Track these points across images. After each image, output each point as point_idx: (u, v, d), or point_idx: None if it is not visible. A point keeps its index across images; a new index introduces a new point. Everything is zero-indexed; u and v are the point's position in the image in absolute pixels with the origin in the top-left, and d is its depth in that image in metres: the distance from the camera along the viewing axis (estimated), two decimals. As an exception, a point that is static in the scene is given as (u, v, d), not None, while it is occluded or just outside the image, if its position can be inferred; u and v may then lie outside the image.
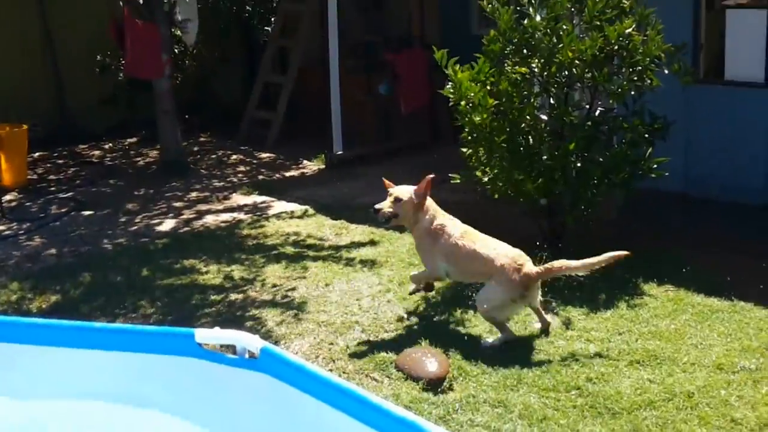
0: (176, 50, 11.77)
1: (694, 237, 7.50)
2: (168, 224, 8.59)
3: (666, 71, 6.87)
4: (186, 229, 8.44)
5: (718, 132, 8.40)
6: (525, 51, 6.85)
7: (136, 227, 8.52)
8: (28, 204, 9.43)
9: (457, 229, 5.87)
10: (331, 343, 5.68)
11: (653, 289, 6.33)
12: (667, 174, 6.89)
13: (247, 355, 3.17)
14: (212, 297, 6.59)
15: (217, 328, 3.42)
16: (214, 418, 3.34)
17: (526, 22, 6.80)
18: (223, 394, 3.30)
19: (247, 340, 3.20)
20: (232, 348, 3.19)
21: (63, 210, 9.14)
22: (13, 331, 3.57)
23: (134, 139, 12.38)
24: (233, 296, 6.60)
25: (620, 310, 5.99)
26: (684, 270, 6.60)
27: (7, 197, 9.46)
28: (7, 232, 8.44)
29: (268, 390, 3.17)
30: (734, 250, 7.13)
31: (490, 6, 6.89)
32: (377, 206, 5.91)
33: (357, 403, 2.87)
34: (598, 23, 6.68)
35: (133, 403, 3.39)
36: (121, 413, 3.44)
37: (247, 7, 12.74)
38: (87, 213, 9.04)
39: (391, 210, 5.85)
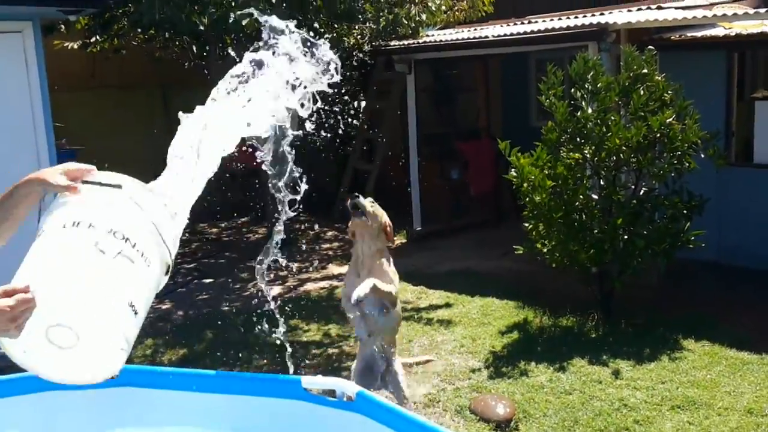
0: None
1: (725, 300, 7.46)
2: (275, 290, 8.70)
3: (702, 155, 6.83)
4: (290, 294, 8.59)
5: (747, 208, 8.36)
6: (578, 139, 6.85)
7: (248, 293, 8.67)
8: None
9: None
10: (415, 390, 5.67)
11: (691, 344, 6.30)
12: (702, 245, 6.80)
13: (345, 399, 3.27)
14: (313, 351, 6.69)
15: (319, 376, 3.64)
16: None
17: (579, 113, 6.80)
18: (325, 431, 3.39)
19: (346, 386, 3.30)
20: (332, 392, 3.32)
21: (188, 278, 9.37)
22: (152, 379, 3.70)
23: (245, 219, 12.65)
24: (330, 351, 6.68)
25: (662, 362, 5.98)
26: (718, 328, 6.58)
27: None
28: None
29: (363, 429, 3.24)
30: (761, 310, 7.09)
31: (548, 101, 6.91)
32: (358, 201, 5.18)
33: None
34: (643, 114, 6.68)
35: None
36: None
37: (339, 105, 13.06)
38: (207, 281, 9.28)
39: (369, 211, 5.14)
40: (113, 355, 2.04)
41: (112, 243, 2.05)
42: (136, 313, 2.06)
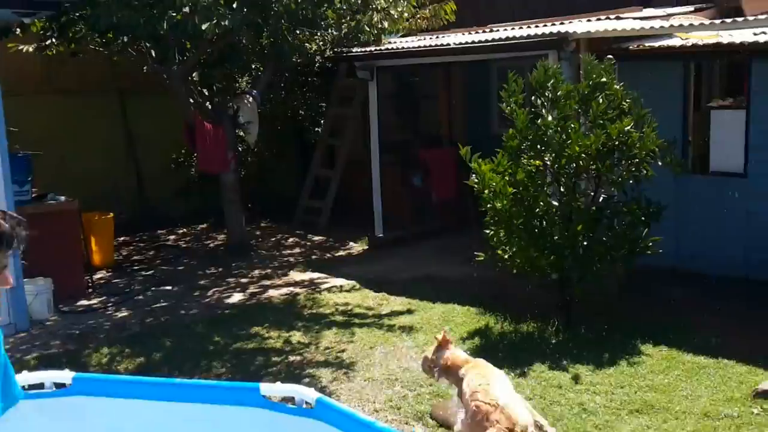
0: (240, 148, 11.92)
1: (683, 305, 7.58)
2: (235, 297, 8.67)
3: (659, 163, 6.93)
4: (251, 301, 8.51)
5: (704, 215, 8.49)
6: (539, 146, 6.90)
7: (208, 300, 8.62)
8: (115, 281, 9.55)
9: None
10: (376, 396, 5.74)
11: (649, 349, 6.38)
12: (660, 251, 6.90)
13: (304, 405, 3.27)
14: (274, 358, 6.62)
15: (278, 383, 3.62)
16: None
17: (539, 121, 6.89)
18: None
19: (305, 392, 3.30)
20: (291, 399, 3.32)
21: (145, 285, 9.27)
22: (107, 387, 3.63)
23: (205, 225, 12.60)
24: (292, 358, 6.64)
25: (621, 366, 6.05)
26: (675, 333, 6.66)
27: (97, 275, 9.62)
28: (96, 305, 8.51)
29: None
30: (718, 315, 7.21)
31: (509, 108, 6.98)
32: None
33: None
34: (602, 122, 6.76)
35: None
36: None
37: (301, 112, 13.01)
38: (166, 288, 9.17)
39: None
40: None
41: None
42: None
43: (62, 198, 8.78)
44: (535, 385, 5.81)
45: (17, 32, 9.57)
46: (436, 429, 5.22)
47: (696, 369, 5.97)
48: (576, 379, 5.89)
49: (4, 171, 7.37)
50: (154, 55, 10.27)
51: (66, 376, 3.63)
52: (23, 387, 3.55)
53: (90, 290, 9.06)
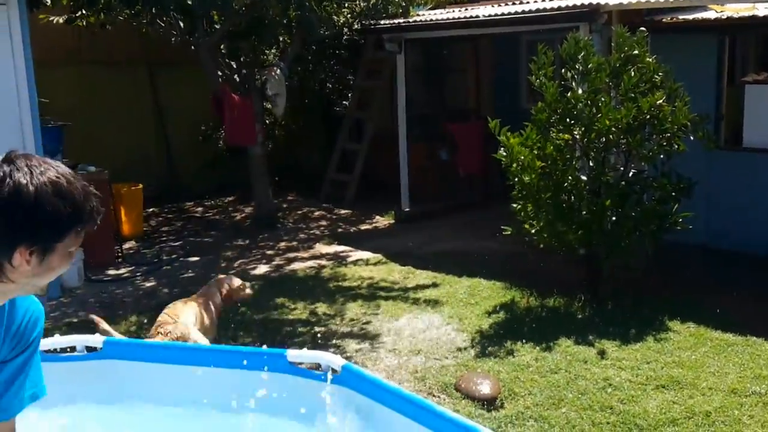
0: (267, 121, 12.02)
1: (713, 282, 7.52)
2: (261, 269, 8.74)
3: (691, 138, 6.88)
4: (277, 273, 8.59)
5: (736, 192, 8.41)
6: (568, 120, 6.86)
7: (233, 271, 8.62)
8: (144, 251, 9.69)
9: None
10: (401, 368, 5.77)
11: (677, 325, 6.35)
12: (690, 227, 6.86)
13: (330, 372, 3.32)
14: (299, 329, 6.69)
15: (305, 349, 3.63)
16: (301, 424, 3.46)
17: (569, 94, 6.82)
18: (310, 404, 3.40)
19: (331, 359, 3.36)
20: (317, 366, 3.38)
21: (173, 256, 9.39)
22: (136, 352, 3.78)
23: (232, 198, 12.66)
24: (317, 329, 6.68)
25: (648, 342, 6.03)
26: (704, 310, 6.62)
27: (126, 245, 9.74)
28: (126, 275, 8.64)
29: (349, 401, 3.32)
30: (747, 293, 7.14)
31: (538, 81, 6.92)
32: None
33: (423, 411, 3.07)
34: (633, 95, 6.70)
35: (236, 410, 3.48)
36: (228, 418, 3.55)
37: (328, 84, 13.03)
38: (193, 259, 9.27)
39: None
40: None
41: None
42: None
43: (92, 168, 8.86)
44: (560, 360, 5.80)
45: (48, 3, 9.63)
46: (461, 400, 5.24)
47: (724, 346, 5.93)
48: (602, 354, 5.87)
49: (36, 141, 7.46)
50: (182, 26, 10.29)
51: (97, 339, 3.71)
52: (55, 350, 3.64)
53: (119, 260, 9.17)
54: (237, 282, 5.83)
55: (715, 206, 8.46)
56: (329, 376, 3.37)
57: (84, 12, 10.11)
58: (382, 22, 11.25)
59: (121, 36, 11.17)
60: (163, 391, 3.68)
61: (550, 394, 5.24)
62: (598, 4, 8.30)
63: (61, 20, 10.44)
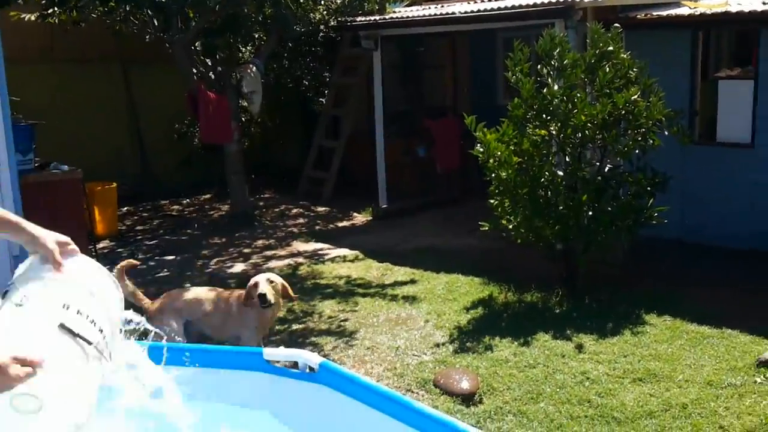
0: (243, 118, 11.98)
1: (688, 276, 7.58)
2: (238, 267, 8.70)
3: (666, 133, 6.92)
4: (254, 271, 8.43)
5: (710, 186, 8.48)
6: (544, 116, 6.89)
7: (211, 269, 8.64)
8: (119, 250, 9.58)
9: None
10: (379, 364, 5.76)
11: (653, 319, 6.39)
12: (666, 221, 6.92)
13: (307, 370, 3.23)
14: (276, 327, 6.60)
15: (281, 347, 3.59)
16: (279, 423, 3.34)
17: (545, 90, 6.86)
18: (287, 403, 3.33)
19: (308, 357, 3.25)
20: (294, 364, 3.28)
21: (148, 255, 9.32)
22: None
23: (208, 196, 12.61)
24: (295, 326, 6.67)
25: (625, 336, 6.05)
26: (680, 303, 6.66)
27: (101, 245, 9.64)
28: None
29: (326, 400, 3.21)
30: (723, 286, 7.20)
31: (514, 77, 6.95)
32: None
33: (401, 407, 2.98)
34: (608, 91, 6.75)
35: (212, 410, 3.34)
36: (204, 417, 3.65)
37: (304, 81, 12.99)
38: (169, 257, 9.21)
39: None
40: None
41: (92, 335, 2.09)
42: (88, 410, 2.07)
43: (65, 167, 8.75)
44: (539, 354, 5.82)
45: (19, 0, 9.51)
46: (440, 396, 5.24)
47: (700, 339, 5.98)
48: (579, 348, 5.90)
49: (7, 140, 7.34)
50: (156, 24, 10.20)
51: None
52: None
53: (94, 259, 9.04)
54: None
55: (689, 200, 8.52)
56: (307, 373, 3.31)
57: (56, 9, 10.00)
58: (359, 18, 11.22)
59: (95, 33, 11.05)
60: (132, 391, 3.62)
61: (528, 388, 5.25)
62: (573, 1, 8.32)
63: (33, 17, 10.32)
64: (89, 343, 2.07)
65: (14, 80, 7.70)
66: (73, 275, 2.22)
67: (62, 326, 2.03)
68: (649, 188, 6.93)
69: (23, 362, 1.84)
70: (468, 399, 5.14)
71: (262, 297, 5.30)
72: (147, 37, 10.44)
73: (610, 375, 5.41)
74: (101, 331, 2.13)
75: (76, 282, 2.21)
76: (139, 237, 10.35)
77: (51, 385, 1.92)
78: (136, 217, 11.54)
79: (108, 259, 9.15)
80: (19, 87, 8.56)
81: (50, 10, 10.05)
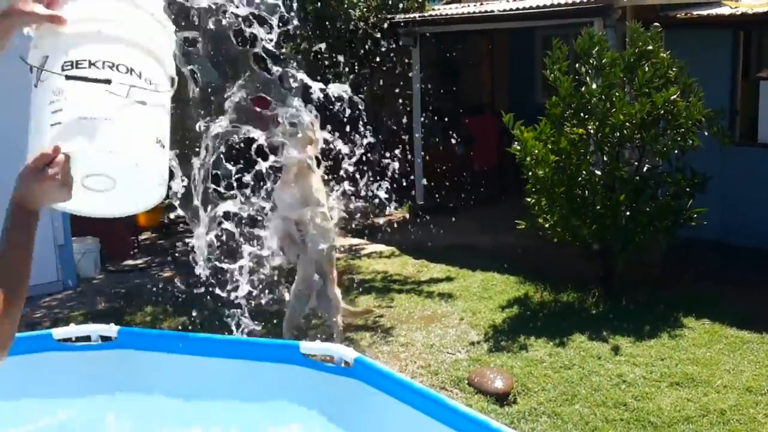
0: None
1: (727, 278, 7.43)
2: (276, 261, 8.76)
3: (706, 133, 6.82)
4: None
5: (750, 187, 8.32)
6: (582, 114, 6.84)
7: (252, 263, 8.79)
8: (160, 242, 9.67)
9: None
10: (413, 361, 5.73)
11: (692, 322, 6.28)
12: (705, 223, 6.82)
13: (343, 364, 3.26)
14: (313, 321, 6.56)
15: (318, 341, 3.59)
16: (314, 416, 3.39)
17: (583, 89, 6.81)
18: (322, 396, 3.37)
19: (344, 351, 3.28)
20: (330, 358, 3.31)
21: (189, 247, 9.42)
22: (151, 342, 3.72)
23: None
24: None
25: (662, 339, 5.96)
26: (719, 306, 6.54)
27: (143, 236, 9.71)
28: (142, 265, 8.64)
29: (360, 394, 3.24)
30: (762, 289, 7.05)
31: (552, 75, 6.88)
32: None
33: (435, 404, 2.93)
34: (647, 90, 6.67)
35: (250, 400, 3.47)
36: (241, 408, 3.51)
37: (343, 78, 13.05)
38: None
39: None
40: (153, 190, 1.96)
41: (119, 79, 1.86)
42: (163, 146, 1.95)
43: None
44: (574, 355, 5.74)
45: None
46: (474, 395, 5.19)
47: (739, 343, 5.86)
48: (616, 350, 5.82)
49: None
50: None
51: (112, 329, 3.67)
52: (70, 339, 3.60)
53: (136, 250, 9.16)
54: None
55: (729, 202, 8.36)
56: (342, 367, 3.31)
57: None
58: (398, 16, 11.16)
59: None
60: (176, 382, 3.63)
61: (563, 389, 5.19)
62: (613, -1, 8.21)
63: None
64: (107, 82, 1.84)
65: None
66: (73, 22, 1.88)
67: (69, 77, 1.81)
68: (688, 189, 6.84)
69: (50, 160, 1.70)
70: (502, 399, 5.10)
71: None
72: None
73: (647, 378, 5.32)
74: (130, 70, 1.88)
75: (79, 30, 1.89)
76: (181, 229, 10.38)
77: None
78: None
79: (149, 250, 9.25)
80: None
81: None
